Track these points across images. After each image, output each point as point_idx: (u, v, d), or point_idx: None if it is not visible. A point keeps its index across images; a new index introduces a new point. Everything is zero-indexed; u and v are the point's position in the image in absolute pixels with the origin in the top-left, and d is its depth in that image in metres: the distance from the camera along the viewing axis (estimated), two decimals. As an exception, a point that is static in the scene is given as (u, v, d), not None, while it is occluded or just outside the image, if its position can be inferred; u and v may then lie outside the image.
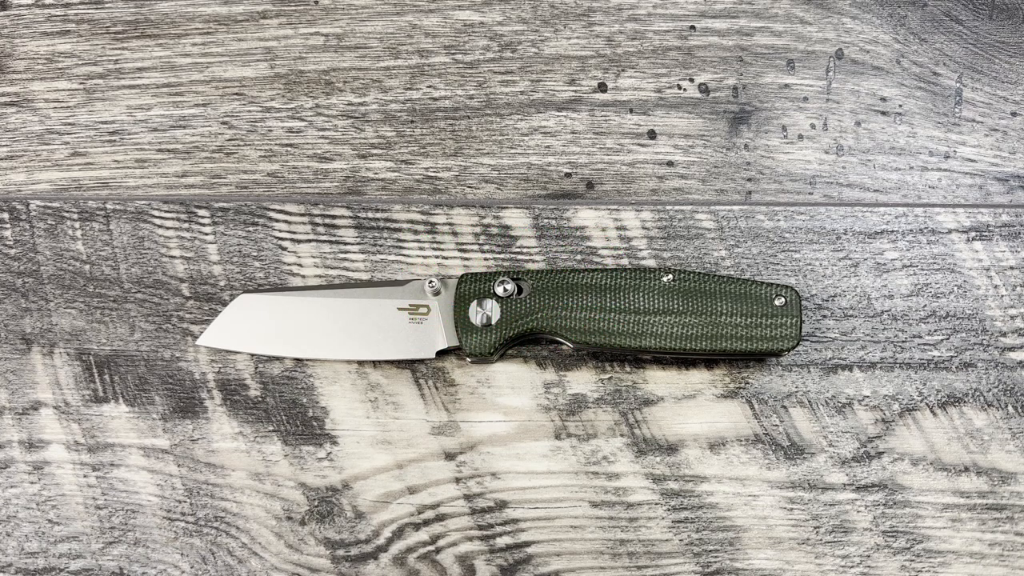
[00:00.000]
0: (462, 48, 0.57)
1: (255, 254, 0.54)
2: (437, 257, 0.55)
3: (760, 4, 0.57)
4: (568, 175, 0.56)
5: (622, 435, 0.52)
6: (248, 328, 0.52)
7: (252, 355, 0.53)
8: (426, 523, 0.52)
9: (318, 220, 0.55)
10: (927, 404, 0.53)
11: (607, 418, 0.52)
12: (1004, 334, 0.53)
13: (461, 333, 0.51)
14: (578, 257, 0.54)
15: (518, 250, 0.55)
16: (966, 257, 0.54)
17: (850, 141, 0.56)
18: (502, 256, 0.54)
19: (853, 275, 0.54)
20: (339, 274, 0.54)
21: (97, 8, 0.58)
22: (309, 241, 0.55)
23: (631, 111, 0.56)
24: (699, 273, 0.51)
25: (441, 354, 0.52)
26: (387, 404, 0.53)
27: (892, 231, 0.55)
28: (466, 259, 0.54)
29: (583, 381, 0.53)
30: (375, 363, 0.53)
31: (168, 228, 0.55)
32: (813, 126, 0.56)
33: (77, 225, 0.55)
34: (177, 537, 0.52)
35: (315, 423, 0.53)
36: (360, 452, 0.52)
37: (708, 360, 0.53)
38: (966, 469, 0.52)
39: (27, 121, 0.56)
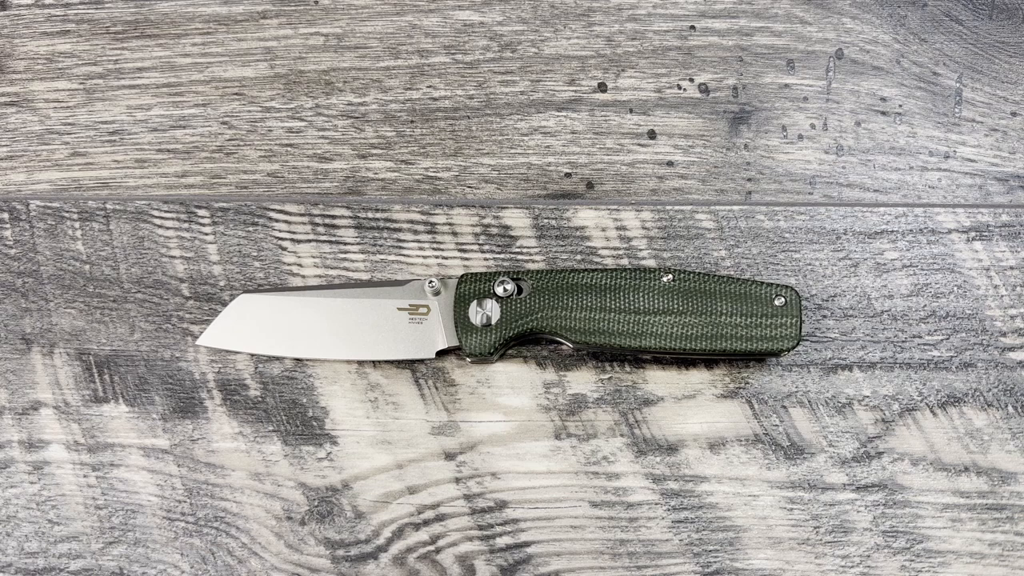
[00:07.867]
0: (462, 48, 0.57)
1: (255, 254, 0.54)
2: (437, 257, 0.55)
3: (760, 4, 0.57)
4: (568, 175, 0.56)
5: (622, 435, 0.52)
6: (248, 328, 0.52)
7: (252, 355, 0.53)
8: (426, 523, 0.52)
9: (318, 220, 0.55)
10: (927, 404, 0.53)
11: (607, 418, 0.52)
12: (1004, 334, 0.53)
13: (461, 333, 0.51)
14: (578, 257, 0.54)
15: (518, 250, 0.55)
16: (966, 257, 0.54)
17: (850, 141, 0.56)
18: (502, 256, 0.54)
19: (853, 275, 0.54)
20: (339, 274, 0.54)
21: (97, 8, 0.57)
22: (309, 241, 0.55)
23: (631, 111, 0.56)
24: (699, 273, 0.51)
25: (441, 354, 0.52)
26: (387, 404, 0.53)
27: (892, 231, 0.55)
28: (466, 259, 0.54)
29: (583, 381, 0.53)
30: (375, 363, 0.53)
31: (168, 228, 0.55)
32: (813, 126, 0.56)
33: (77, 225, 0.55)
34: (177, 537, 0.52)
35: (315, 423, 0.53)
36: (360, 452, 0.52)
37: (708, 360, 0.53)
38: (966, 469, 0.52)
39: (27, 121, 0.56)
